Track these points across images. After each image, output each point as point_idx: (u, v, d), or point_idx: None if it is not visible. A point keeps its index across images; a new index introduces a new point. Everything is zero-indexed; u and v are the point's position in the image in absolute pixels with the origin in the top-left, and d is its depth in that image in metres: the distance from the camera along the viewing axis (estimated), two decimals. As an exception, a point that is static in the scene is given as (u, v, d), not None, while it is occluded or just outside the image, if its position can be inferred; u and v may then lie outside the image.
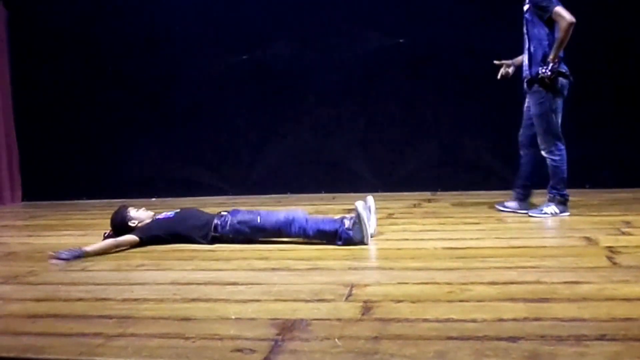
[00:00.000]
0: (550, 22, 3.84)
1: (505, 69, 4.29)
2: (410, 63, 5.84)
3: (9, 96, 6.64)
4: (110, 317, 2.12)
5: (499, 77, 4.31)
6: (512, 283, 2.35)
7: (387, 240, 3.50)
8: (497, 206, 4.39)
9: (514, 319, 1.91)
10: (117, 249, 3.42)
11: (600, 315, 1.92)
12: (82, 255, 3.26)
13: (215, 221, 3.51)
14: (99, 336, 1.91)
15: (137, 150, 6.42)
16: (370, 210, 3.46)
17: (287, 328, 1.91)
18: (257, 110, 6.25)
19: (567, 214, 3.99)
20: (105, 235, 3.62)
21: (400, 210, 4.75)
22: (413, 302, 2.16)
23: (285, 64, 6.09)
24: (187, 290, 2.47)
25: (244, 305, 2.22)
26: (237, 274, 2.77)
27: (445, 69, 5.72)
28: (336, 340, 1.78)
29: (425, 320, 1.95)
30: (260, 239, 3.49)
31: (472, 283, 2.37)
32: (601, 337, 1.72)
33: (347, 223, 3.30)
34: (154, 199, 6.25)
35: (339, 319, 1.99)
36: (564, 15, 3.73)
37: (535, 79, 3.93)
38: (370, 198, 3.56)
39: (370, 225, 3.40)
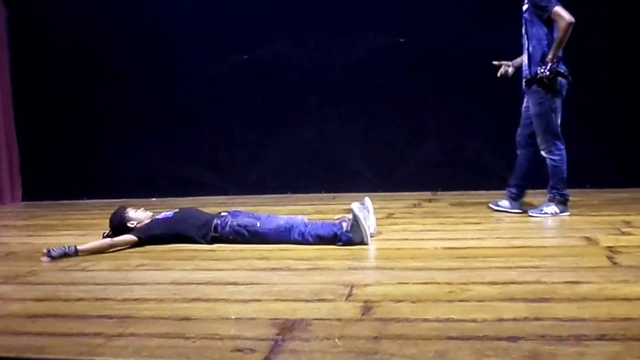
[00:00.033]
0: (550, 22, 3.84)
1: (505, 68, 4.29)
2: (411, 63, 5.84)
3: (9, 96, 6.64)
4: (110, 317, 2.13)
5: (498, 74, 4.31)
6: (512, 283, 2.35)
7: (387, 240, 3.50)
8: (490, 205, 4.39)
9: (514, 319, 1.91)
10: (113, 249, 3.43)
11: (600, 315, 1.92)
12: (72, 253, 3.28)
13: (215, 221, 3.52)
14: (99, 336, 1.91)
15: (137, 150, 6.42)
16: (368, 211, 3.47)
17: (287, 328, 1.91)
18: (257, 110, 6.24)
19: (567, 213, 3.98)
20: (104, 235, 3.63)
21: (400, 210, 4.74)
22: (413, 302, 2.16)
23: (286, 64, 6.09)
24: (187, 290, 2.47)
25: (244, 305, 2.22)
26: (237, 273, 2.77)
27: (445, 68, 5.71)
28: (336, 340, 1.78)
29: (426, 320, 1.95)
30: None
31: (473, 283, 2.37)
32: (601, 337, 1.72)
33: (345, 226, 3.30)
34: (154, 199, 6.25)
35: (339, 319, 1.99)
36: (563, 15, 3.73)
37: (534, 79, 3.93)
38: (367, 199, 3.57)
39: (370, 225, 3.40)
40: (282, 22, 6.08)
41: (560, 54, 3.87)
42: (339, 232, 3.29)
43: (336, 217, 3.66)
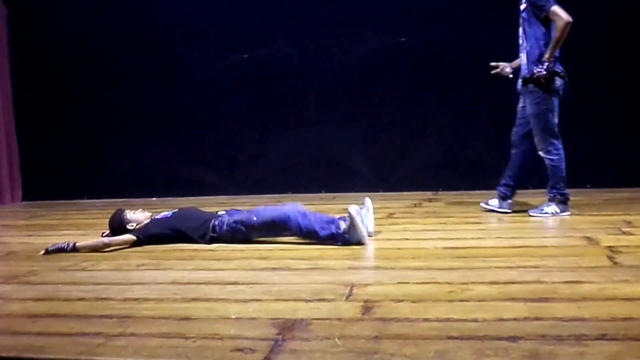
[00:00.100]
0: (547, 22, 3.84)
1: (502, 68, 4.28)
2: (411, 63, 5.84)
3: (9, 96, 6.64)
4: (110, 316, 2.12)
5: (492, 72, 4.31)
6: (512, 283, 2.35)
7: (388, 240, 3.50)
8: (481, 204, 4.38)
9: (515, 319, 1.91)
10: (109, 248, 3.43)
11: (600, 315, 1.92)
12: (70, 249, 3.37)
13: (213, 222, 3.51)
14: (99, 336, 1.91)
15: (137, 150, 6.42)
16: (368, 210, 3.47)
17: (288, 328, 1.91)
18: (258, 110, 6.24)
19: (568, 213, 3.98)
20: (103, 235, 3.63)
21: (400, 209, 4.74)
22: (413, 301, 2.16)
23: (286, 64, 6.09)
24: (187, 289, 2.47)
25: (245, 304, 2.22)
26: (237, 273, 2.76)
27: (445, 68, 5.71)
28: (336, 339, 1.78)
29: (426, 319, 1.95)
30: (258, 238, 3.49)
31: (473, 283, 2.37)
32: (601, 337, 1.72)
33: (343, 226, 3.29)
34: (154, 199, 6.26)
35: (339, 319, 1.99)
36: (561, 14, 3.72)
37: (530, 79, 3.92)
38: (367, 199, 3.57)
39: (368, 225, 3.42)
40: (282, 22, 6.08)
41: (557, 53, 3.86)
42: (336, 233, 3.29)
43: (336, 215, 3.65)
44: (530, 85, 3.94)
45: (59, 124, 6.58)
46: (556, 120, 3.95)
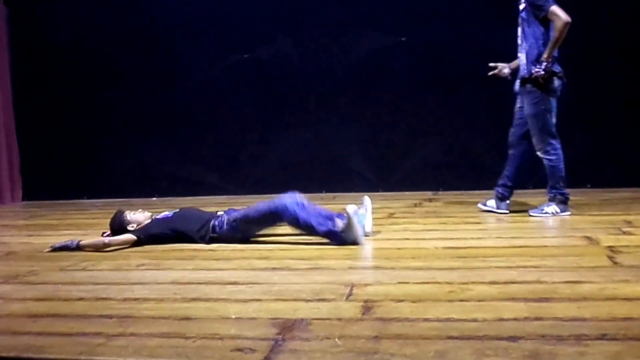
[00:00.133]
0: (546, 22, 3.83)
1: (500, 69, 4.27)
2: (411, 63, 5.84)
3: (9, 96, 6.64)
4: (110, 316, 2.12)
5: (490, 73, 4.30)
6: (512, 283, 2.35)
7: (388, 239, 3.50)
8: (479, 205, 4.38)
9: (515, 319, 1.91)
10: (110, 248, 3.43)
11: (600, 315, 1.92)
12: (74, 247, 3.42)
13: (213, 222, 3.51)
14: (99, 336, 1.91)
15: (137, 150, 6.42)
16: (366, 210, 3.48)
17: (288, 327, 1.91)
18: (257, 110, 6.24)
19: (568, 213, 3.98)
20: (104, 235, 3.63)
21: (401, 209, 4.74)
22: (414, 301, 2.16)
23: (286, 64, 6.09)
24: (187, 289, 2.47)
25: (245, 304, 2.22)
26: (237, 273, 2.76)
27: (446, 68, 5.71)
28: (336, 339, 1.78)
29: (426, 319, 1.95)
30: (257, 235, 3.51)
31: (473, 282, 2.37)
32: (602, 337, 1.72)
33: (339, 224, 3.29)
34: (154, 199, 6.26)
35: (339, 319, 1.99)
36: (560, 14, 3.72)
37: (529, 79, 3.92)
38: (366, 198, 3.58)
39: (366, 225, 3.43)
40: (282, 22, 6.08)
41: (555, 53, 3.86)
42: (332, 230, 3.28)
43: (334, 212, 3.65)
44: (529, 86, 3.94)
45: (59, 124, 6.58)
46: (554, 120, 3.95)
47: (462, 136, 5.84)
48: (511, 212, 4.19)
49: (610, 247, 2.93)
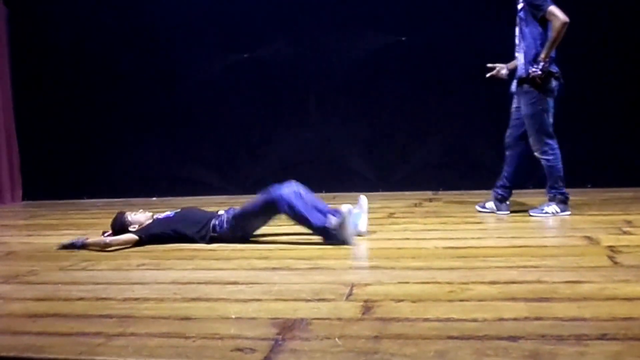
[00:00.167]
0: (544, 22, 3.82)
1: (498, 70, 4.27)
2: (411, 63, 5.84)
3: (9, 96, 6.64)
4: (110, 316, 2.12)
5: (488, 75, 4.30)
6: (513, 282, 2.35)
7: (388, 239, 3.50)
8: (477, 207, 4.37)
9: (515, 319, 1.90)
10: (111, 247, 3.43)
11: (601, 315, 1.91)
12: (80, 244, 3.45)
13: (214, 222, 3.52)
14: (99, 335, 1.91)
15: (137, 150, 6.42)
16: (362, 210, 3.49)
17: (288, 327, 1.91)
18: (258, 109, 6.25)
19: (568, 212, 3.98)
20: (105, 235, 3.63)
21: (401, 209, 4.74)
22: (414, 301, 2.15)
23: (286, 64, 6.09)
24: (187, 289, 2.47)
25: (245, 304, 2.22)
26: (237, 273, 2.76)
27: (446, 68, 5.71)
28: (336, 339, 1.78)
29: (426, 319, 1.95)
30: (257, 231, 3.52)
31: (473, 282, 2.36)
32: (602, 337, 1.72)
33: (332, 221, 3.29)
34: (154, 199, 6.26)
35: (339, 319, 1.99)
36: (558, 14, 3.72)
37: (526, 78, 3.92)
38: (362, 198, 3.58)
39: (361, 225, 3.45)
40: (282, 22, 6.08)
41: (553, 54, 3.85)
42: (325, 227, 3.28)
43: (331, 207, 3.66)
44: (526, 86, 3.94)
45: (59, 124, 6.59)
46: (551, 120, 3.94)
47: (462, 136, 5.84)
48: (511, 212, 4.19)
49: (610, 247, 2.93)
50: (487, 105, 5.51)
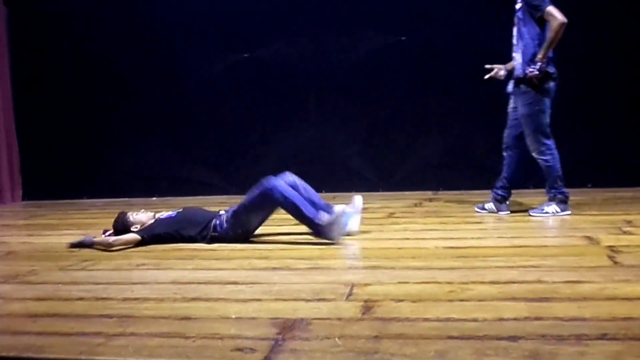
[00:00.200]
0: (542, 22, 3.82)
1: (496, 71, 4.26)
2: (411, 62, 5.83)
3: (9, 96, 6.64)
4: (110, 316, 2.12)
5: (486, 77, 4.29)
6: (513, 282, 2.35)
7: (388, 239, 3.50)
8: (476, 208, 4.36)
9: (515, 319, 1.90)
10: (113, 247, 3.42)
11: (601, 315, 1.91)
12: (89, 243, 3.47)
13: (214, 221, 3.52)
14: (99, 335, 1.91)
15: (137, 150, 6.42)
16: (355, 209, 3.53)
17: (288, 327, 1.91)
18: (258, 109, 6.24)
19: (568, 212, 3.97)
20: (108, 233, 3.62)
21: (401, 209, 4.74)
22: (414, 301, 2.15)
23: (286, 64, 6.09)
24: (187, 289, 2.47)
25: (245, 304, 2.22)
26: (237, 273, 2.76)
27: (446, 68, 5.71)
28: (337, 339, 1.78)
29: (426, 319, 1.95)
30: (257, 227, 3.52)
31: (473, 282, 2.36)
32: (602, 337, 1.72)
33: (324, 218, 3.30)
34: (154, 198, 6.26)
35: (339, 319, 1.99)
36: (556, 15, 3.72)
37: (523, 79, 3.91)
38: (357, 198, 3.61)
39: (353, 223, 3.48)
40: (282, 22, 6.08)
41: (550, 54, 3.85)
42: (315, 221, 3.29)
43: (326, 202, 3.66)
44: (523, 86, 3.93)
45: (59, 124, 6.58)
46: (548, 120, 3.93)
47: (462, 136, 5.84)
48: (511, 212, 4.19)
49: (610, 247, 2.93)
50: (487, 105, 5.50)
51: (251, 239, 3.53)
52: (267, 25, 6.10)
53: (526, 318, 1.91)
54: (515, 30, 4.02)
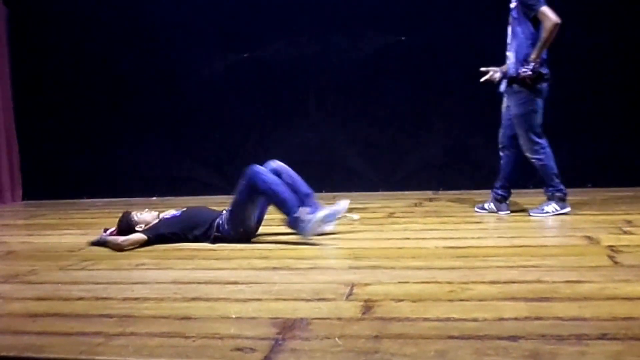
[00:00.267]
0: (537, 22, 3.81)
1: (492, 74, 4.25)
2: (411, 62, 5.83)
3: (9, 96, 6.64)
4: (110, 316, 2.12)
5: (482, 80, 4.28)
6: (513, 282, 2.35)
7: (388, 239, 3.50)
8: (476, 209, 4.35)
9: (515, 318, 1.90)
10: (123, 248, 3.41)
11: (601, 315, 1.91)
12: (103, 241, 3.49)
13: (217, 221, 3.52)
14: (100, 335, 1.91)
15: (137, 150, 6.42)
16: (339, 213, 3.54)
17: (288, 327, 1.91)
18: (258, 109, 6.24)
19: (568, 209, 3.96)
20: (112, 232, 3.61)
21: (401, 209, 4.74)
22: (414, 301, 2.15)
23: (286, 64, 6.09)
24: (187, 289, 2.47)
25: (245, 304, 2.22)
26: (237, 273, 2.76)
27: (446, 68, 5.70)
28: (337, 339, 1.78)
29: (426, 319, 1.95)
30: (258, 221, 3.53)
31: (473, 282, 2.36)
32: (602, 336, 1.72)
33: (303, 215, 3.30)
34: (154, 198, 6.25)
35: (339, 318, 1.99)
36: (550, 15, 3.71)
37: (516, 78, 3.91)
38: (343, 202, 3.62)
39: (328, 222, 3.50)
40: (282, 22, 6.08)
41: (544, 55, 3.84)
42: (294, 214, 3.31)
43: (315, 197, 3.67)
44: (515, 86, 3.93)
45: (59, 124, 6.58)
46: (540, 120, 3.93)
47: (462, 136, 5.84)
48: (511, 212, 4.19)
49: (610, 247, 2.93)
50: (487, 105, 5.48)
51: (251, 239, 3.52)
52: (267, 25, 6.10)
53: (526, 318, 1.91)
54: (509, 29, 4.01)
